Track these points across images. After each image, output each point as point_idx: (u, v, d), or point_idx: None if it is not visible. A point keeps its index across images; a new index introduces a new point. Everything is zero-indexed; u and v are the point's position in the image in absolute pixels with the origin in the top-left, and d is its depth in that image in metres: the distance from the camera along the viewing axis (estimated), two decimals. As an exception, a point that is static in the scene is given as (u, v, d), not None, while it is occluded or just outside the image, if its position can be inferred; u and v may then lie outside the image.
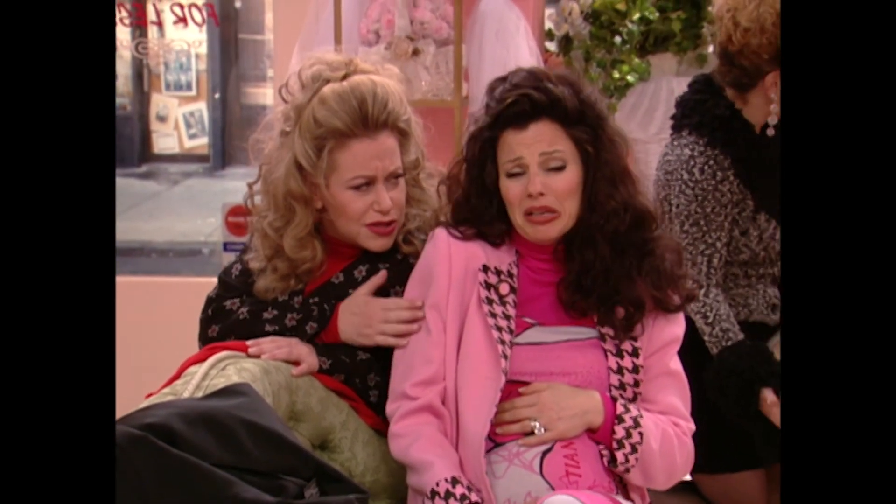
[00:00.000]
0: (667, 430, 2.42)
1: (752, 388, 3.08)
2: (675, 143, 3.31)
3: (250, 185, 2.66)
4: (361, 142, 2.50)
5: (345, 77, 2.53)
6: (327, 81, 2.52)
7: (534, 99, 2.38)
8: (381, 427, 2.49)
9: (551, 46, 4.33)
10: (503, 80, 2.46)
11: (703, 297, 3.14)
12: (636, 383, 2.42)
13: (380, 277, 2.56)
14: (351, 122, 2.48)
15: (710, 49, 4.17)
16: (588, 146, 2.40)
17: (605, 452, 2.37)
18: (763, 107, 3.25)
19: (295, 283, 2.59)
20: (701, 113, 3.28)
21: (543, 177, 2.38)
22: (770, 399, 3.05)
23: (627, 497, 2.41)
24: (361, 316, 2.51)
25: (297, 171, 2.52)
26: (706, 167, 3.19)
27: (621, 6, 4.15)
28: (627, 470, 2.37)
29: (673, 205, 3.21)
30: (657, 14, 4.13)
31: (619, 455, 2.35)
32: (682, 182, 3.20)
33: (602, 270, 2.40)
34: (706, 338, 3.13)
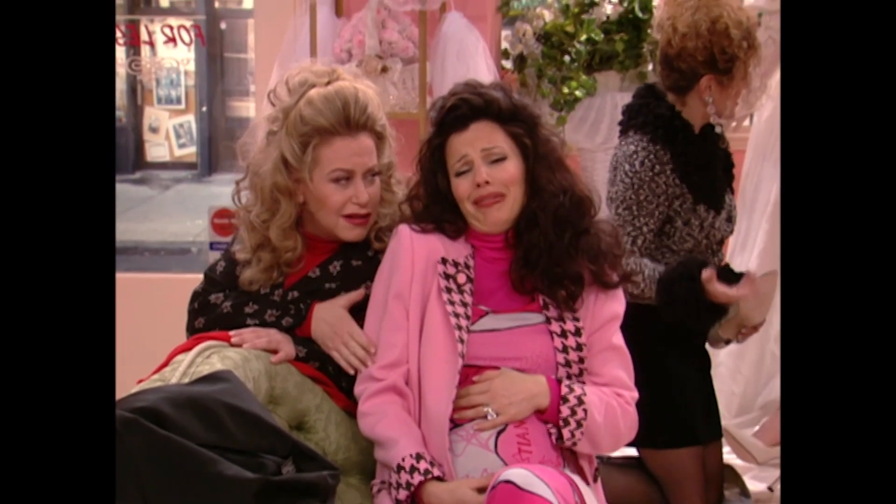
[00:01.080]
0: (610, 402, 2.43)
1: (693, 276, 3.12)
2: (622, 142, 3.36)
3: (238, 183, 2.66)
4: (343, 139, 2.50)
5: (329, 83, 2.54)
6: (313, 86, 2.54)
7: (470, 102, 2.44)
8: (352, 409, 2.48)
9: (507, 64, 4.34)
10: (444, 95, 2.51)
11: (625, 261, 3.18)
12: (581, 360, 2.43)
13: (358, 295, 2.54)
14: (335, 120, 2.49)
15: (650, 67, 4.20)
16: (525, 140, 2.45)
17: (553, 431, 2.37)
18: (700, 108, 3.30)
19: (277, 276, 2.58)
20: (644, 114, 3.32)
21: (488, 168, 2.42)
22: (706, 275, 3.10)
23: (577, 464, 2.42)
24: (330, 328, 2.49)
25: (283, 167, 2.52)
26: (647, 160, 3.23)
27: (570, 28, 4.17)
28: (574, 444, 2.38)
29: (613, 191, 3.25)
30: (602, 36, 4.14)
31: (566, 432, 2.36)
32: (624, 172, 3.24)
33: (546, 247, 2.43)
34: (642, 287, 3.16)
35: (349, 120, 2.50)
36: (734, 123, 4.21)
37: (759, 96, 3.55)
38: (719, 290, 3.10)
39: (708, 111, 3.30)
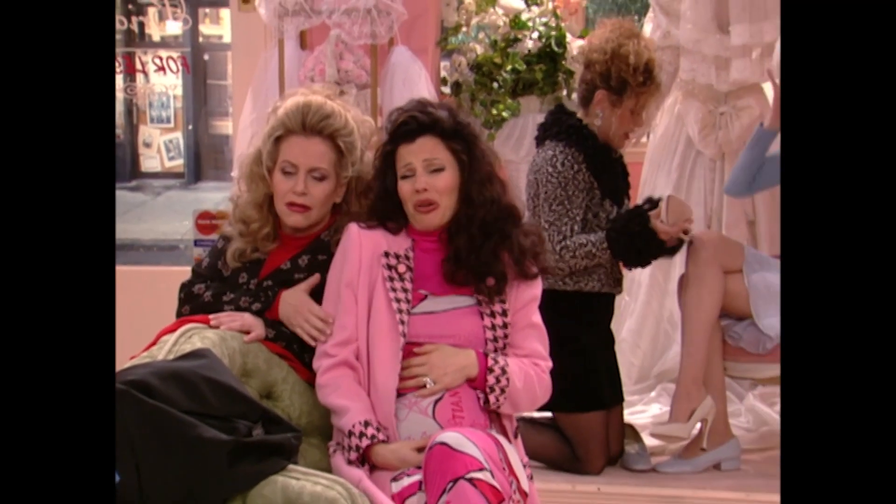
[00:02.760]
0: (528, 370, 2.43)
1: (641, 213, 3.23)
2: (540, 150, 3.39)
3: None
4: (297, 138, 2.51)
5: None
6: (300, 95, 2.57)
7: (418, 119, 2.43)
8: (313, 381, 2.45)
9: (446, 90, 4.34)
10: (399, 108, 2.50)
11: (569, 242, 3.21)
12: (505, 336, 2.43)
13: (315, 279, 2.53)
14: (294, 121, 2.50)
15: (564, 92, 4.23)
16: (463, 155, 2.44)
17: (480, 395, 2.38)
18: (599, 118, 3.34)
19: (251, 252, 2.57)
20: (558, 126, 3.37)
21: (427, 177, 2.42)
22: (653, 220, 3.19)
23: (501, 425, 2.42)
24: (293, 309, 2.48)
25: (259, 157, 2.55)
26: (566, 161, 3.26)
27: (498, 60, 4.18)
28: (499, 406, 2.38)
29: (542, 192, 3.28)
30: (525, 66, 4.16)
31: (492, 397, 2.37)
32: (548, 174, 3.27)
33: (473, 249, 2.42)
34: (595, 256, 3.21)
35: (304, 123, 2.50)
36: (633, 140, 4.25)
37: (651, 123, 3.58)
38: (661, 226, 3.19)
39: (595, 123, 3.34)
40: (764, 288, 3.36)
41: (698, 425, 3.40)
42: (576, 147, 3.29)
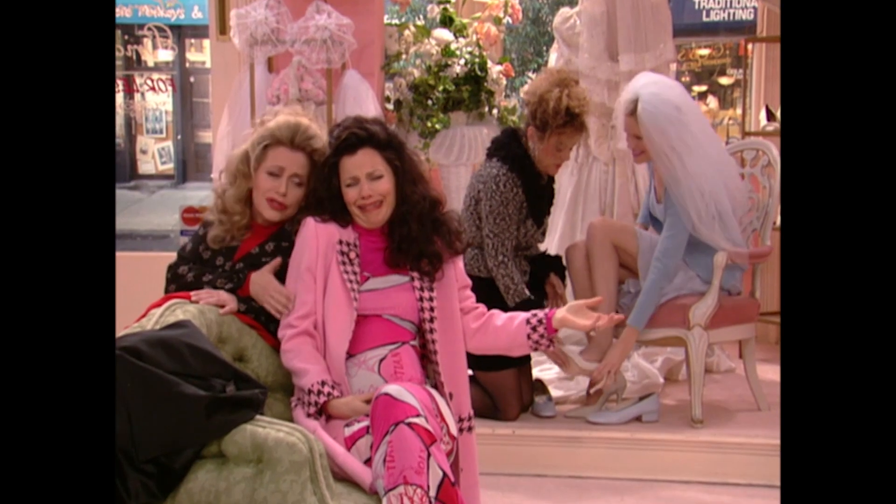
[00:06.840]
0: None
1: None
2: (487, 164, 3.40)
3: (220, 172, 2.65)
4: (284, 148, 2.49)
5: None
6: (282, 114, 2.55)
7: (358, 135, 2.41)
8: (277, 347, 2.43)
9: (389, 106, 4.32)
10: (338, 125, 2.47)
11: (505, 267, 3.23)
12: (432, 309, 2.42)
13: (277, 262, 2.49)
14: (285, 135, 2.48)
15: (486, 109, 4.23)
16: (396, 162, 2.42)
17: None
18: (534, 149, 3.36)
19: (230, 240, 2.53)
20: (506, 150, 3.38)
21: (369, 184, 2.40)
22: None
23: (436, 379, 2.41)
24: (261, 288, 2.44)
25: (245, 157, 2.51)
26: (507, 182, 3.27)
27: (432, 82, 4.18)
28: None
29: (486, 205, 3.29)
30: (454, 87, 4.15)
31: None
32: (492, 191, 3.28)
33: (414, 238, 2.41)
34: (509, 294, 3.20)
35: (293, 139, 2.48)
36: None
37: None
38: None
39: (532, 153, 3.37)
40: (648, 250, 3.40)
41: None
42: (517, 172, 3.31)
